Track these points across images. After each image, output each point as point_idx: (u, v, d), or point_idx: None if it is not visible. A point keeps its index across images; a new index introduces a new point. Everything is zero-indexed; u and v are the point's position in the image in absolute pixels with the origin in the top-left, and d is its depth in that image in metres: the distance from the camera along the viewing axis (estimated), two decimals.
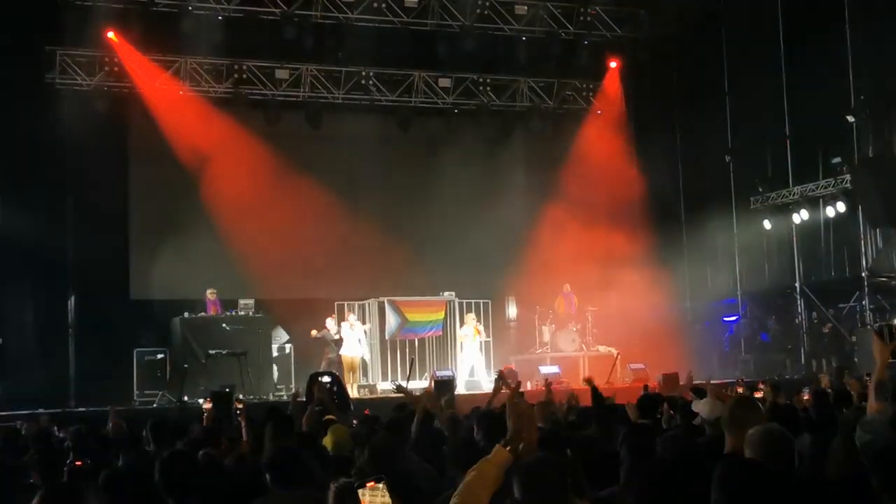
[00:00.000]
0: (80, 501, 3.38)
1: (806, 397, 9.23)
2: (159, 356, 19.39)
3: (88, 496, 3.39)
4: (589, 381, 11.86)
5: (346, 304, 21.43)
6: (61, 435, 9.60)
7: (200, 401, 16.88)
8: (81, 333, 20.14)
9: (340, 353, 19.84)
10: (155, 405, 17.93)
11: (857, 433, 5.02)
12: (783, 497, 3.61)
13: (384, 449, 5.93)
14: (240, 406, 10.44)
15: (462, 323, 21.40)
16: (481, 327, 21.25)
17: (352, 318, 20.33)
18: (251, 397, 17.63)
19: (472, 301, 22.11)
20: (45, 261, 19.34)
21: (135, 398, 18.80)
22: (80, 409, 17.05)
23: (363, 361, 20.61)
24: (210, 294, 19.94)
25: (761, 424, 4.49)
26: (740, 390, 12.42)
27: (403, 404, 10.68)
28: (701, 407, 7.88)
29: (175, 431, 8.51)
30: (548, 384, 10.89)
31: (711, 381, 13.31)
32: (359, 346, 20.15)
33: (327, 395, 11.69)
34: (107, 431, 9.36)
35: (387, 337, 21.28)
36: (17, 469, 6.06)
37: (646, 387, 12.48)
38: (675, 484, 3.77)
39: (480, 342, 21.22)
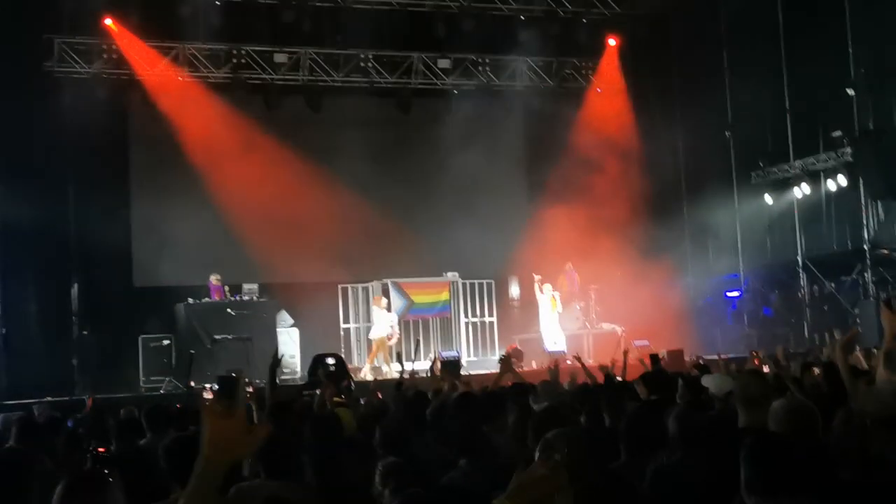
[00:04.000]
0: (106, 488, 3.41)
1: (817, 371, 9.25)
2: (165, 342, 19.44)
3: (113, 483, 3.43)
4: (603, 367, 12.01)
5: (349, 286, 21.51)
6: (70, 423, 9.63)
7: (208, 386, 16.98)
8: (86, 321, 20.16)
9: (370, 337, 20.10)
10: (162, 391, 18.01)
11: (865, 402, 5.06)
12: (814, 470, 3.62)
13: (397, 431, 5.98)
14: (250, 390, 10.48)
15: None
16: (557, 297, 21.25)
17: (384, 301, 20.49)
18: (258, 381, 17.68)
19: (476, 281, 22.20)
20: (47, 249, 19.37)
21: (141, 385, 18.89)
22: (87, 397, 17.11)
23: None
24: (214, 279, 19.99)
25: (783, 398, 4.52)
26: (756, 363, 12.43)
27: (401, 383, 10.74)
28: (710, 382, 7.95)
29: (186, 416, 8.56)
30: (555, 363, 10.95)
31: (722, 357, 13.39)
32: (389, 328, 20.36)
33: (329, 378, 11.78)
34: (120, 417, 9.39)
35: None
36: (33, 456, 6.08)
37: (654, 357, 12.32)
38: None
39: (558, 314, 21.26)
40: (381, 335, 20.22)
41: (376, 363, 19.87)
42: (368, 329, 21.15)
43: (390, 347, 20.31)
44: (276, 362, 9.62)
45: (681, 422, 5.19)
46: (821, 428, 4.34)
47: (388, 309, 20.74)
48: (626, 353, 11.92)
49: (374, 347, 20.16)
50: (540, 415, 5.60)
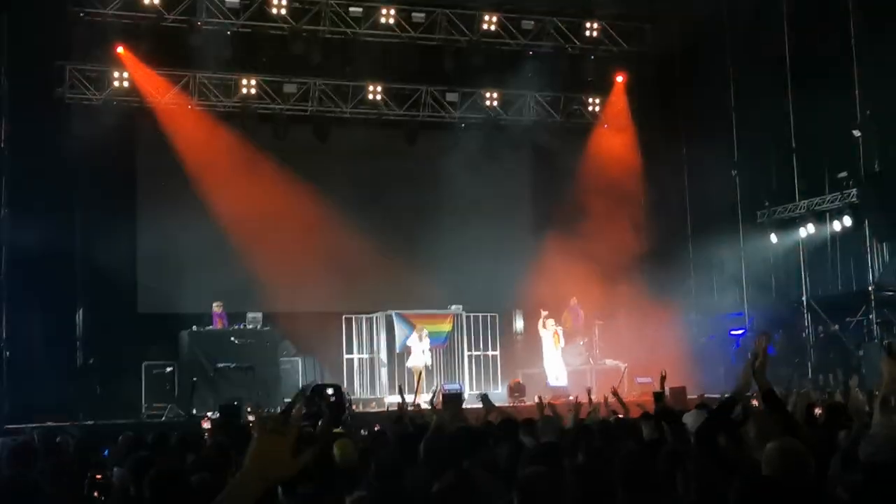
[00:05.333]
0: None
1: (818, 411, 9.23)
2: (167, 369, 19.44)
3: None
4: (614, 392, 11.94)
5: (353, 317, 21.53)
6: (70, 449, 9.63)
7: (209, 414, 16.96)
8: (90, 346, 20.17)
9: (408, 365, 20.48)
10: (163, 418, 18.00)
11: (860, 447, 5.06)
12: None
13: (390, 465, 5.98)
14: (251, 418, 10.45)
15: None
16: (560, 333, 21.25)
17: (424, 330, 20.52)
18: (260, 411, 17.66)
19: (480, 314, 22.19)
20: (53, 274, 19.40)
21: (143, 411, 18.87)
22: (89, 423, 17.12)
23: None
24: (217, 307, 20.01)
25: (777, 441, 4.52)
26: (755, 402, 12.32)
27: (401, 416, 10.71)
28: (688, 419, 7.96)
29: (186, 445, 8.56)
30: (540, 400, 11.02)
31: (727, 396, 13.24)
32: (423, 356, 20.54)
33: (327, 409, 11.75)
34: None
35: (398, 350, 21.37)
36: (30, 482, 6.10)
37: (659, 394, 12.12)
38: None
39: (560, 349, 21.25)
40: (417, 364, 20.32)
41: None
42: (372, 360, 21.21)
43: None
44: (298, 396, 9.57)
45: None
46: (813, 470, 4.34)
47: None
48: (614, 391, 11.72)
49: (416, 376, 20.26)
50: (531, 453, 5.58)
